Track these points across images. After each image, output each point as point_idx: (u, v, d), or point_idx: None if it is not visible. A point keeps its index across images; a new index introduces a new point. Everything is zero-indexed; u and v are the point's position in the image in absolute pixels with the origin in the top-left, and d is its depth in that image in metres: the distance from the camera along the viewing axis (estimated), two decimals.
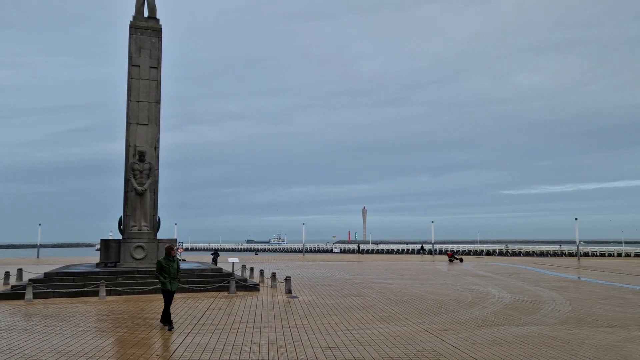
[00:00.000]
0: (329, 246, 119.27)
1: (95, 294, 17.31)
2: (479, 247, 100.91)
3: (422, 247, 78.57)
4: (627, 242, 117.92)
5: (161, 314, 12.10)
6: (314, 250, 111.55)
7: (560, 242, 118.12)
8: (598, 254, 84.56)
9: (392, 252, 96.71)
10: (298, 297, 17.57)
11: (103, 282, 17.18)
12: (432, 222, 64.21)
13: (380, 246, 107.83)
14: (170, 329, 11.40)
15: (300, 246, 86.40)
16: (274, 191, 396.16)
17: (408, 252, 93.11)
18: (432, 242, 66.95)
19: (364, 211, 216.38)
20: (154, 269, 20.14)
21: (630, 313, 14.41)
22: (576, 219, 56.51)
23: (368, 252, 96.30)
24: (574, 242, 58.84)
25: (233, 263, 22.29)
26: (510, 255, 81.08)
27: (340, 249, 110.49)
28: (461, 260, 45.11)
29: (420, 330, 11.50)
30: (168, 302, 11.77)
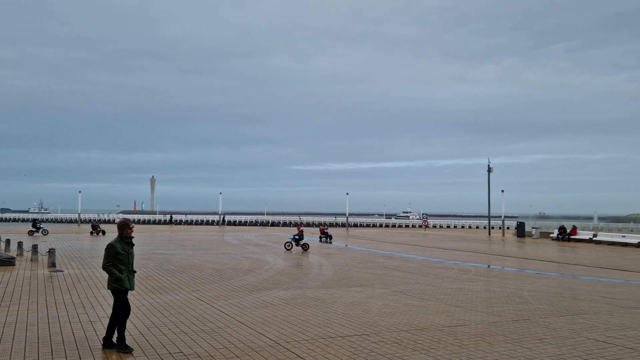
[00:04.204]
0: (112, 216, 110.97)
1: None
2: (265, 218, 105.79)
3: (223, 218, 78.52)
4: (388, 215, 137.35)
5: (107, 330, 7.54)
6: (95, 220, 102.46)
7: (335, 214, 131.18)
8: (365, 224, 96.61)
9: (211, 223, 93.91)
10: (63, 271, 16.03)
11: None
12: (220, 193, 65.07)
13: (190, 217, 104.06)
14: (130, 351, 7.28)
15: (75, 216, 78.55)
16: (52, 155, 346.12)
17: (209, 223, 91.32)
18: (220, 212, 67.85)
19: (153, 180, 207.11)
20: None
21: (378, 274, 16.89)
22: (347, 193, 63.64)
23: (180, 222, 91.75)
24: (353, 215, 65.91)
25: None
26: (293, 226, 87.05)
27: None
28: (330, 238, 34.13)
29: (193, 299, 11.62)
30: (125, 309, 7.51)
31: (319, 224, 74.04)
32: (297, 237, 26.71)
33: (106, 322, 9.12)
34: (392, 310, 10.68)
